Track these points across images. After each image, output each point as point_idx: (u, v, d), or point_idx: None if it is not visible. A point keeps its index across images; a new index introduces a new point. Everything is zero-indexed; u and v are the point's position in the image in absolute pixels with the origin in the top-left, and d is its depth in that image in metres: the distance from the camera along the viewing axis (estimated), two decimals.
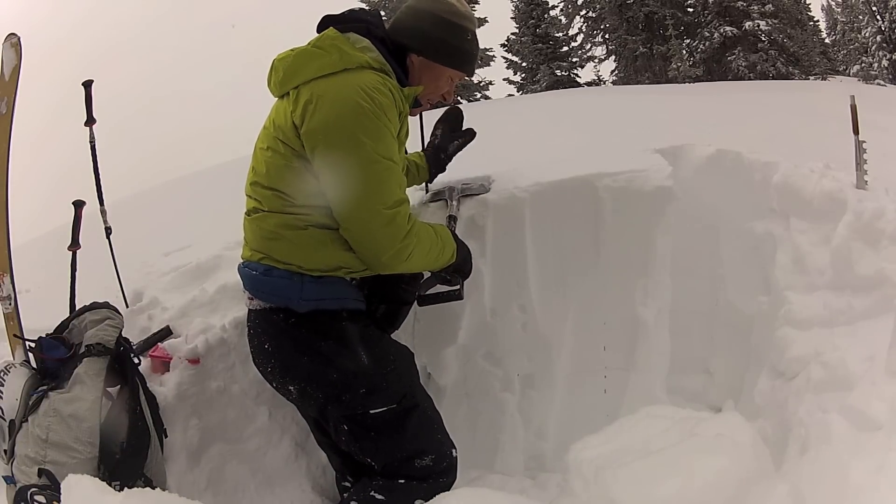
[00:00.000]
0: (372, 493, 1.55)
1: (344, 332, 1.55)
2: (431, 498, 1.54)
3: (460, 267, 1.79)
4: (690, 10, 18.03)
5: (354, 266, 1.57)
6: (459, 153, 2.17)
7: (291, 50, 1.57)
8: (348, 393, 1.56)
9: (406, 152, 1.85)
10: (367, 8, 1.76)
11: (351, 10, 1.65)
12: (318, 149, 1.45)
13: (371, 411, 1.56)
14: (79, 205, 2.25)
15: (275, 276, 1.54)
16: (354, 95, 1.44)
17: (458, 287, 1.93)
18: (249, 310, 1.65)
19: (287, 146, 1.50)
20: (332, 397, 1.58)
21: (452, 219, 2.19)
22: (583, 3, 19.32)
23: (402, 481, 1.56)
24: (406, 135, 1.70)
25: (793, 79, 15.52)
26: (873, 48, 20.78)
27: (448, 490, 1.61)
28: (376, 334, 1.65)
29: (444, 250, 1.68)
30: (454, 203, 2.25)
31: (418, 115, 2.46)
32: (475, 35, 1.70)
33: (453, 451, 1.66)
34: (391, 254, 1.49)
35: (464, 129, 2.17)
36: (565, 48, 19.67)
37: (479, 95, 18.33)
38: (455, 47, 1.65)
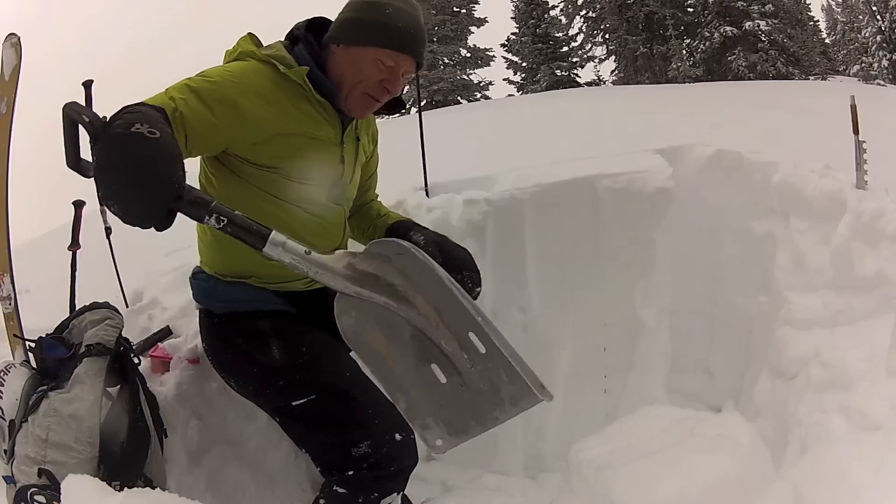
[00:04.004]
0: (334, 487, 1.54)
1: (256, 328, 1.56)
2: (389, 486, 1.51)
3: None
4: (690, 10, 18.05)
5: (266, 276, 1.56)
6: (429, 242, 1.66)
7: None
8: (269, 386, 1.56)
9: (342, 160, 1.62)
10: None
11: (296, 24, 1.62)
12: None
13: (293, 403, 1.53)
14: (79, 205, 2.25)
15: (199, 278, 1.63)
16: (212, 71, 1.43)
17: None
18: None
19: None
20: (259, 391, 1.60)
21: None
22: (583, 3, 19.33)
23: (351, 472, 1.50)
24: (322, 130, 1.53)
25: (793, 79, 15.52)
26: (873, 48, 20.79)
27: (405, 477, 1.55)
28: (292, 328, 1.60)
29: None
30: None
31: (418, 119, 2.45)
32: (400, 9, 1.50)
33: (397, 434, 1.50)
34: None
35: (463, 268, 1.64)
36: (565, 48, 19.70)
37: (479, 95, 18.35)
38: (369, 22, 1.47)
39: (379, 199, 1.91)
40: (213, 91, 1.35)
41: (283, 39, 1.57)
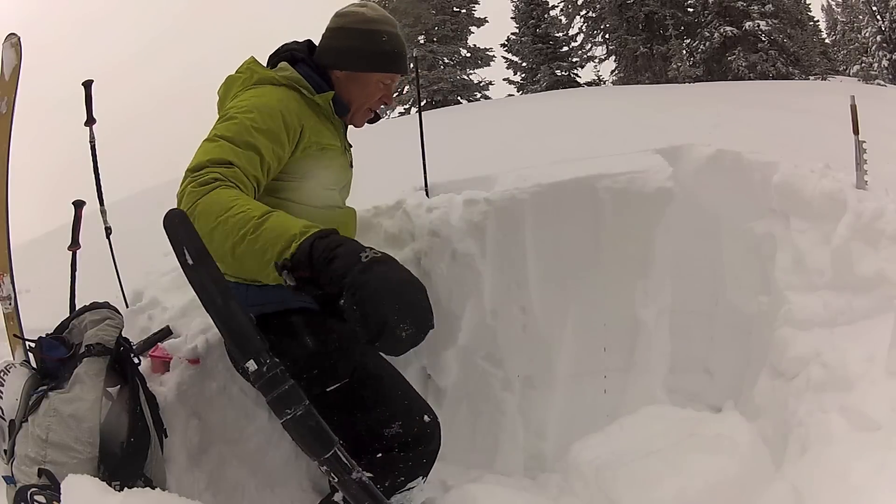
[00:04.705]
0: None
1: (289, 324, 1.64)
2: (415, 470, 1.57)
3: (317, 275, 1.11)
4: (690, 10, 18.05)
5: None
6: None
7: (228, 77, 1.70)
8: (305, 374, 1.60)
9: (350, 165, 1.85)
10: (288, 42, 1.80)
11: (283, 45, 1.77)
12: None
13: (327, 389, 1.59)
14: (79, 205, 2.25)
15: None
16: (251, 102, 1.51)
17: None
18: None
19: None
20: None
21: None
22: (583, 3, 19.34)
23: (380, 455, 1.57)
24: (336, 141, 1.72)
25: (793, 79, 15.52)
26: (873, 48, 20.79)
27: (431, 462, 1.64)
28: (321, 320, 1.68)
29: (258, 229, 1.17)
30: None
31: (418, 119, 2.46)
32: (393, 34, 1.72)
33: (426, 416, 1.62)
34: (180, 200, 1.26)
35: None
36: (565, 48, 19.70)
37: (479, 95, 18.35)
38: (370, 51, 1.70)
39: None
40: (274, 127, 1.47)
41: (287, 63, 1.68)
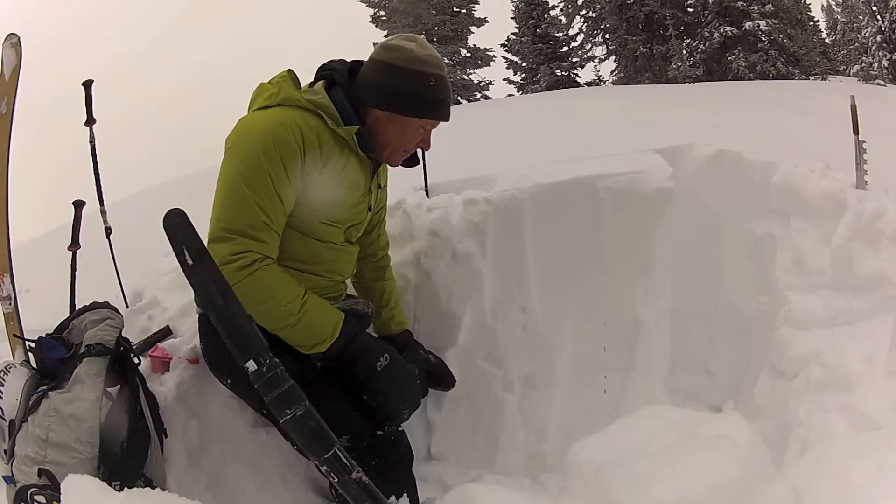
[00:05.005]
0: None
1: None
2: (386, 476, 1.57)
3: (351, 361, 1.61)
4: (690, 10, 18.05)
5: None
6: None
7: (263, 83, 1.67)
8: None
9: (370, 208, 1.79)
10: (335, 60, 1.71)
11: (331, 61, 1.70)
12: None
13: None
14: (79, 205, 2.26)
15: None
16: (260, 127, 1.51)
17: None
18: None
19: None
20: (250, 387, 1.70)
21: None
22: (583, 3, 19.33)
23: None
24: (360, 178, 1.67)
25: (793, 79, 15.52)
26: (873, 48, 20.79)
27: (397, 476, 1.68)
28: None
29: (298, 323, 1.52)
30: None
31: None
32: (440, 78, 1.61)
33: (378, 431, 1.67)
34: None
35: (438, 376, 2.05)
36: (565, 48, 19.70)
37: (479, 95, 18.35)
38: (416, 96, 1.60)
39: (389, 251, 2.07)
40: (262, 189, 1.48)
41: (320, 80, 1.64)
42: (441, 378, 2.06)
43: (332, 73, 1.64)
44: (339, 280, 1.78)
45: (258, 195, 1.47)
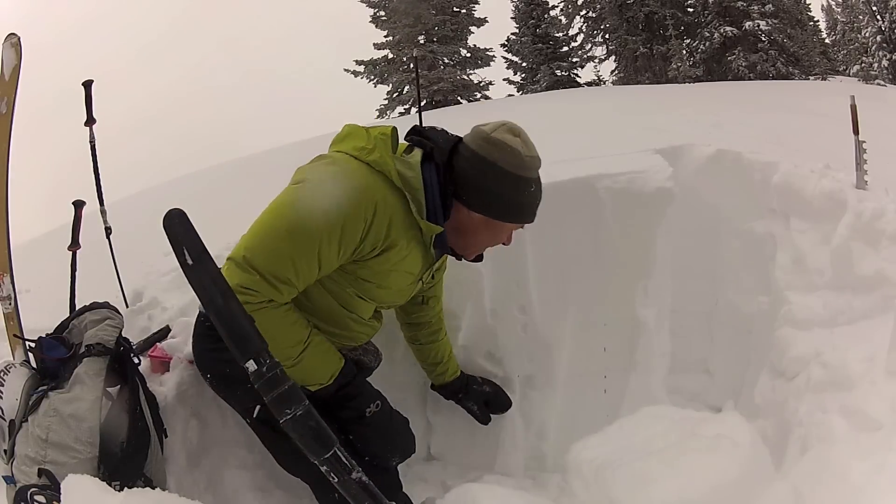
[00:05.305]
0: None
1: None
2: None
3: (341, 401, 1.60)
4: (690, 10, 18.06)
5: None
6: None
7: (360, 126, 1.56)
8: (241, 387, 1.56)
9: (422, 297, 1.83)
10: (436, 128, 1.60)
11: (432, 128, 1.59)
12: None
13: (260, 406, 1.60)
14: (79, 205, 2.26)
15: None
16: (334, 185, 1.40)
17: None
18: None
19: None
20: (231, 390, 1.70)
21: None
22: (583, 3, 19.35)
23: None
24: (415, 269, 1.59)
25: (793, 79, 15.53)
26: (873, 48, 20.80)
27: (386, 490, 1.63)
28: None
29: (294, 366, 1.46)
30: None
31: (418, 119, 2.44)
32: (538, 182, 1.56)
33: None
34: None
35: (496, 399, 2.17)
36: (565, 48, 19.71)
37: (479, 95, 18.35)
38: (518, 203, 1.54)
39: (441, 310, 2.05)
40: (336, 247, 1.41)
41: (423, 158, 1.52)
42: (499, 404, 2.17)
43: (431, 148, 1.53)
44: (351, 343, 1.71)
45: (298, 253, 1.39)
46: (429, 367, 2.08)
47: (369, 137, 1.48)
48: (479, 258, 1.73)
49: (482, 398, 2.13)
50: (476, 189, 1.51)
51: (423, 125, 1.60)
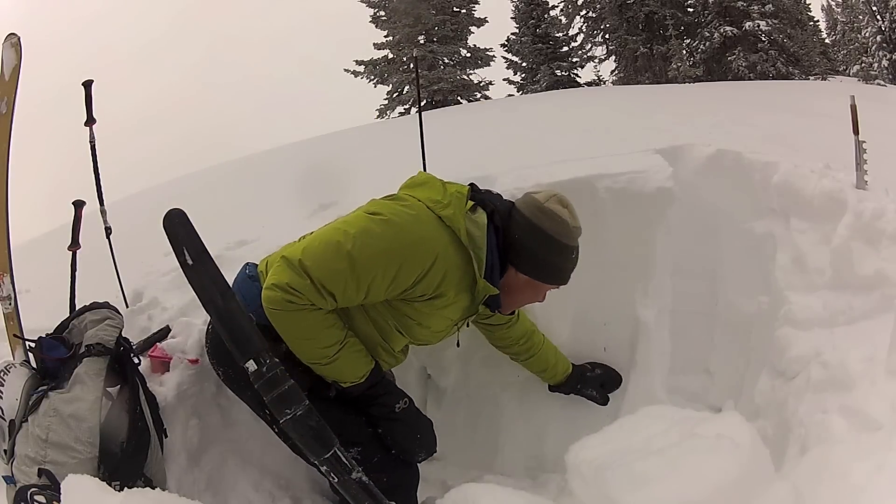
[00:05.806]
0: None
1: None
2: (392, 494, 1.56)
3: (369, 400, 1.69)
4: (690, 10, 18.04)
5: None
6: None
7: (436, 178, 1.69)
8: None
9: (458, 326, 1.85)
10: (492, 192, 1.76)
11: (489, 191, 1.73)
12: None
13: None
14: (79, 205, 2.26)
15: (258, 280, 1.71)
16: (404, 229, 1.52)
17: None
18: None
19: None
20: (247, 385, 1.73)
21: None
22: (583, 3, 19.32)
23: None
24: (456, 316, 1.71)
25: (793, 79, 15.52)
26: (873, 48, 20.79)
27: (407, 485, 1.74)
28: None
29: (328, 364, 1.57)
30: None
31: (418, 119, 2.45)
32: (578, 249, 1.73)
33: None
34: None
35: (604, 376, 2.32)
36: (565, 48, 19.68)
37: (479, 95, 18.34)
38: (561, 268, 1.72)
39: (527, 327, 2.15)
40: (389, 282, 1.52)
41: (484, 204, 1.65)
42: (613, 383, 2.31)
43: (492, 210, 1.65)
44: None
45: (351, 276, 1.48)
46: (539, 375, 2.23)
47: (445, 192, 1.61)
48: (512, 312, 1.93)
49: (598, 382, 2.28)
50: (528, 254, 1.66)
51: (481, 189, 1.72)
